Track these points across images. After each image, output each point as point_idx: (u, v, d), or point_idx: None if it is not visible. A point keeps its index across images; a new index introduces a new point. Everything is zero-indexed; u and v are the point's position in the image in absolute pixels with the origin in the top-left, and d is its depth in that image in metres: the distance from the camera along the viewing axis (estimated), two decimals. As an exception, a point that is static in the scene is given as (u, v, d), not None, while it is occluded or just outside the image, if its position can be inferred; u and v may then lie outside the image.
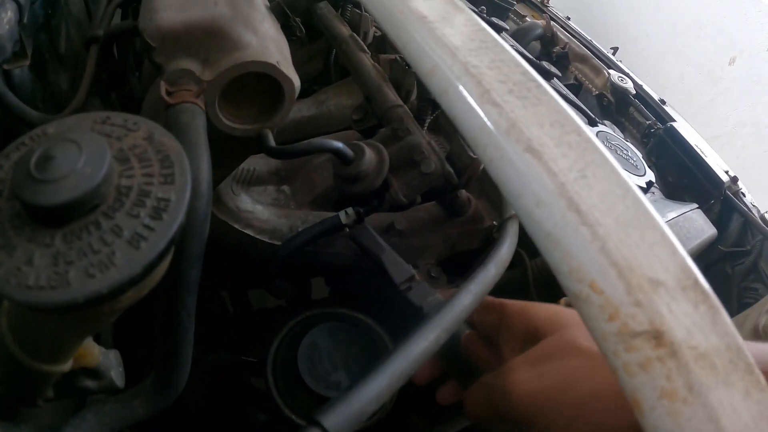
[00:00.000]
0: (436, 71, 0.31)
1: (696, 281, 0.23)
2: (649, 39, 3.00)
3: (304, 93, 1.04)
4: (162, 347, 0.38)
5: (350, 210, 0.59)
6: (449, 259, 0.69)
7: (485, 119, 0.27)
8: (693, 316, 0.22)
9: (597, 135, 0.66)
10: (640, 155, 0.70)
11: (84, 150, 0.24)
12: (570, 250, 0.23)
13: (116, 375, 0.42)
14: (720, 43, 2.74)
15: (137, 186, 0.25)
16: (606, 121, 0.88)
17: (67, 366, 0.37)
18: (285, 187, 0.74)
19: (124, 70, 0.79)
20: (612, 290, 0.22)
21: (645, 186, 0.65)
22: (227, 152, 0.55)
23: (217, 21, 0.46)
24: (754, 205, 1.29)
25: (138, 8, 0.56)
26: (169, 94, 0.42)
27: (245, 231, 0.67)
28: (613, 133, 0.70)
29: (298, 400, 0.58)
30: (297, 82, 0.52)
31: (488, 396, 0.45)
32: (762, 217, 1.26)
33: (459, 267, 0.70)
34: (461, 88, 0.29)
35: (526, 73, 0.31)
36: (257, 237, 0.67)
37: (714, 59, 2.77)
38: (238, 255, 0.70)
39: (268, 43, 0.51)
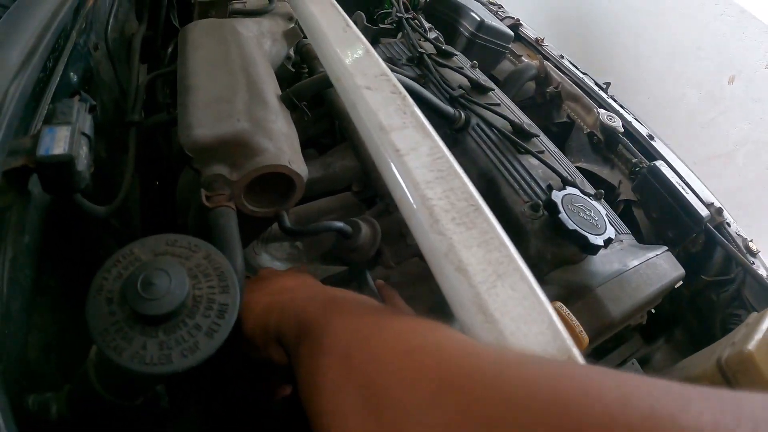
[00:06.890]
0: (404, 202, 0.42)
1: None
2: (649, 60, 3.07)
3: (314, 145, 1.16)
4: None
5: None
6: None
7: (434, 244, 0.39)
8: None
9: (563, 198, 0.76)
10: (603, 213, 0.78)
11: (172, 277, 0.37)
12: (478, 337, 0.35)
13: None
14: (719, 62, 2.76)
15: (206, 296, 0.39)
16: (584, 163, 0.97)
17: (138, 402, 0.49)
18: (298, 243, 0.86)
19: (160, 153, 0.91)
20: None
21: (603, 244, 0.74)
22: (251, 228, 0.68)
23: (240, 135, 0.59)
24: (738, 234, 1.36)
25: (164, 80, 0.66)
26: (207, 198, 0.54)
27: (265, 285, 0.79)
28: (579, 195, 0.79)
29: None
30: (305, 173, 0.64)
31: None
32: (746, 246, 1.34)
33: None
34: (420, 217, 0.41)
35: (469, 197, 0.43)
36: (275, 290, 0.79)
37: (713, 78, 2.81)
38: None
39: (282, 144, 0.63)
